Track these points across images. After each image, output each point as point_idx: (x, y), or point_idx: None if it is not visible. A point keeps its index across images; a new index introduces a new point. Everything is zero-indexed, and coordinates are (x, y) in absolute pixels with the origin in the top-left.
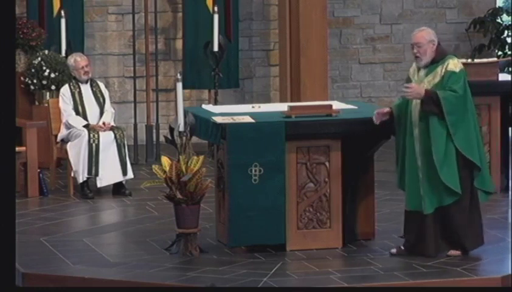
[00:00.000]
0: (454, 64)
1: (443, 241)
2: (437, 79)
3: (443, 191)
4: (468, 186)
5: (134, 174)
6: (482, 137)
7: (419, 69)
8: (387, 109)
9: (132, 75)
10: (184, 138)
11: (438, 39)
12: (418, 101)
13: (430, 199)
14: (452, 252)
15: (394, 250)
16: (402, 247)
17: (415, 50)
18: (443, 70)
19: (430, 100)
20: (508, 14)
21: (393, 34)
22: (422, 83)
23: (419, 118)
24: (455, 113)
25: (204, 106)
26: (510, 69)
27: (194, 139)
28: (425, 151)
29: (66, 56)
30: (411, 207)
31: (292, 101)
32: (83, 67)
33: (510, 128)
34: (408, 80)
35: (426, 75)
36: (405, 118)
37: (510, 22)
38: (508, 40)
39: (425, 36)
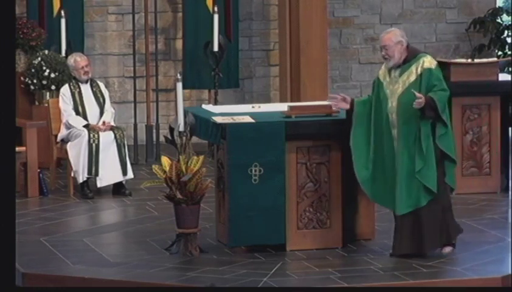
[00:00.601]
0: (429, 62)
1: (420, 241)
2: (413, 77)
3: (419, 192)
4: (442, 182)
5: (134, 174)
6: (482, 137)
7: (390, 70)
8: (342, 96)
9: (132, 75)
10: (184, 138)
11: (406, 39)
12: (395, 103)
13: (406, 200)
14: (446, 249)
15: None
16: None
17: (383, 52)
18: (419, 68)
19: (430, 106)
20: (508, 14)
21: None
22: (397, 84)
23: (402, 120)
24: (444, 110)
25: (204, 106)
26: (510, 69)
27: (194, 139)
28: (403, 152)
29: (66, 56)
30: (384, 205)
31: (292, 101)
32: (82, 67)
33: (510, 128)
34: (379, 82)
35: (400, 74)
36: (369, 118)
37: (510, 22)
38: (508, 40)
39: (392, 38)
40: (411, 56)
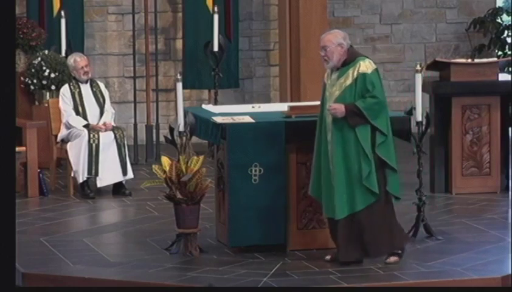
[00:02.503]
0: (366, 66)
1: (358, 247)
2: (349, 81)
3: (357, 196)
4: (382, 190)
5: (134, 174)
6: (482, 137)
7: (332, 72)
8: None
9: (132, 75)
10: (184, 138)
11: (348, 42)
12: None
13: (342, 205)
14: (391, 259)
15: (328, 257)
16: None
17: (322, 53)
18: (355, 72)
19: (353, 114)
20: (508, 14)
21: (393, 34)
22: (334, 87)
23: (336, 125)
24: (378, 117)
25: (204, 106)
26: (510, 69)
27: (194, 139)
28: (338, 156)
29: (66, 56)
30: (327, 214)
31: (292, 101)
32: (82, 67)
33: (510, 128)
34: (324, 84)
35: (338, 77)
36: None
37: (510, 22)
38: (508, 40)
39: (333, 39)
40: (350, 59)
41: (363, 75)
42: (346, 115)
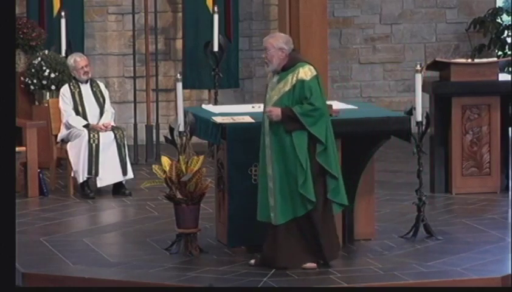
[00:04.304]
0: (304, 72)
1: (297, 253)
2: (287, 87)
3: (297, 202)
4: (321, 197)
5: (134, 174)
6: (482, 137)
7: (273, 75)
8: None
9: (132, 75)
10: (184, 138)
11: (290, 46)
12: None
13: (283, 210)
14: (308, 265)
15: (252, 261)
16: (259, 256)
17: (264, 55)
18: (294, 78)
19: (289, 119)
20: (508, 14)
21: (393, 34)
22: (274, 91)
23: (272, 129)
24: (316, 124)
25: (204, 106)
26: (510, 69)
27: (194, 139)
28: (278, 160)
29: (66, 56)
30: (261, 218)
31: None
32: (82, 67)
33: (510, 128)
34: (266, 86)
35: (278, 82)
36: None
37: (510, 22)
38: (508, 40)
39: (274, 42)
40: (289, 64)
41: (302, 82)
42: (282, 119)
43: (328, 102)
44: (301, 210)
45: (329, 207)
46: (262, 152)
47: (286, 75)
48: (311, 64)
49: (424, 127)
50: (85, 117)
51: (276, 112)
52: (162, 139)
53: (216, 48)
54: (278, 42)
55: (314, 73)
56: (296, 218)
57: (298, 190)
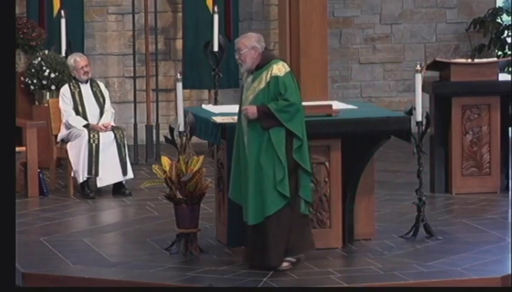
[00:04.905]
0: (278, 69)
1: (267, 252)
2: (262, 85)
3: (269, 200)
4: (293, 194)
5: (134, 174)
6: (482, 137)
7: (248, 75)
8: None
9: (132, 75)
10: (184, 138)
11: (263, 45)
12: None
13: (254, 211)
14: (283, 265)
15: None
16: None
17: (237, 56)
18: (268, 75)
19: (265, 116)
20: (508, 14)
21: (393, 34)
22: (249, 90)
23: (249, 128)
24: (292, 120)
25: (204, 106)
26: (510, 69)
27: (194, 139)
28: (252, 159)
29: (66, 56)
30: (245, 218)
31: None
32: (82, 67)
33: (510, 128)
34: (242, 86)
35: (252, 81)
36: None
37: (510, 22)
38: (508, 40)
39: (246, 42)
40: (263, 62)
41: (276, 78)
42: (258, 117)
43: (328, 102)
44: (272, 208)
45: (300, 205)
46: (243, 151)
47: (260, 74)
48: (284, 61)
49: (424, 127)
50: (85, 117)
51: (252, 110)
52: (162, 139)
53: (216, 48)
54: (251, 42)
55: (288, 69)
56: (268, 217)
57: (274, 188)
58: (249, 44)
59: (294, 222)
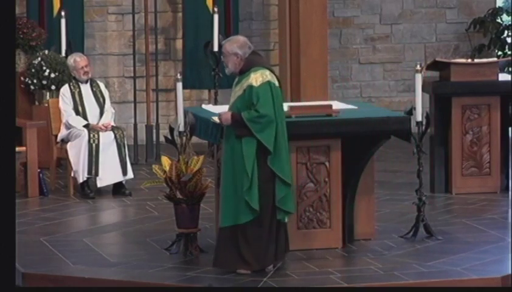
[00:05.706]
0: (255, 78)
1: (234, 258)
2: (240, 92)
3: (241, 208)
4: (271, 203)
5: (134, 174)
6: (482, 137)
7: (236, 78)
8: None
9: (132, 75)
10: (184, 138)
11: (245, 51)
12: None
13: (225, 214)
14: (242, 271)
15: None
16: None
17: (222, 59)
18: (246, 83)
19: (238, 124)
20: (508, 14)
21: (393, 34)
22: (232, 93)
23: (227, 134)
24: (263, 131)
25: (204, 106)
26: (510, 69)
27: (194, 139)
28: (227, 164)
29: (66, 56)
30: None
31: (292, 101)
32: (82, 67)
33: (510, 128)
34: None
35: (235, 85)
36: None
37: (510, 22)
38: (508, 40)
39: (228, 48)
40: (245, 68)
41: (250, 88)
42: (231, 124)
43: (328, 102)
44: (244, 217)
45: (275, 215)
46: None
47: (242, 79)
48: (268, 68)
49: (424, 127)
50: (85, 117)
51: (226, 116)
52: (162, 139)
53: (216, 48)
54: (232, 47)
55: (267, 79)
56: (240, 224)
57: (239, 192)
58: (231, 50)
59: (271, 232)
